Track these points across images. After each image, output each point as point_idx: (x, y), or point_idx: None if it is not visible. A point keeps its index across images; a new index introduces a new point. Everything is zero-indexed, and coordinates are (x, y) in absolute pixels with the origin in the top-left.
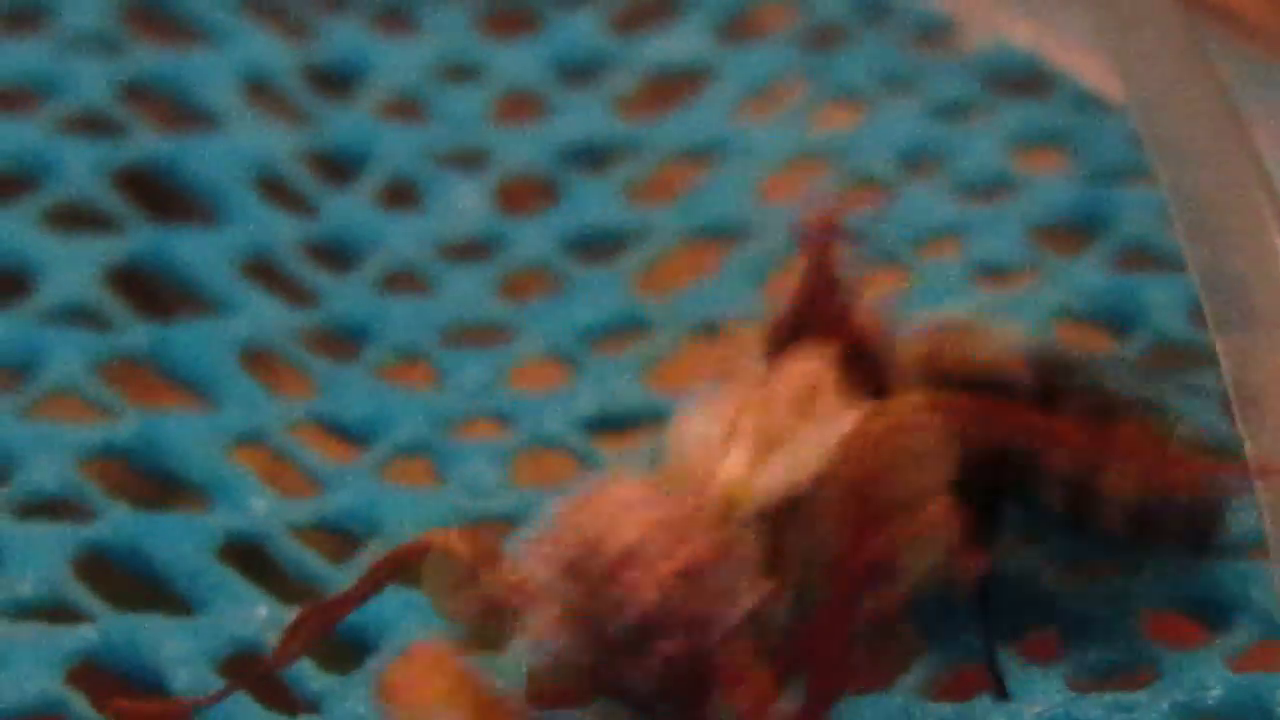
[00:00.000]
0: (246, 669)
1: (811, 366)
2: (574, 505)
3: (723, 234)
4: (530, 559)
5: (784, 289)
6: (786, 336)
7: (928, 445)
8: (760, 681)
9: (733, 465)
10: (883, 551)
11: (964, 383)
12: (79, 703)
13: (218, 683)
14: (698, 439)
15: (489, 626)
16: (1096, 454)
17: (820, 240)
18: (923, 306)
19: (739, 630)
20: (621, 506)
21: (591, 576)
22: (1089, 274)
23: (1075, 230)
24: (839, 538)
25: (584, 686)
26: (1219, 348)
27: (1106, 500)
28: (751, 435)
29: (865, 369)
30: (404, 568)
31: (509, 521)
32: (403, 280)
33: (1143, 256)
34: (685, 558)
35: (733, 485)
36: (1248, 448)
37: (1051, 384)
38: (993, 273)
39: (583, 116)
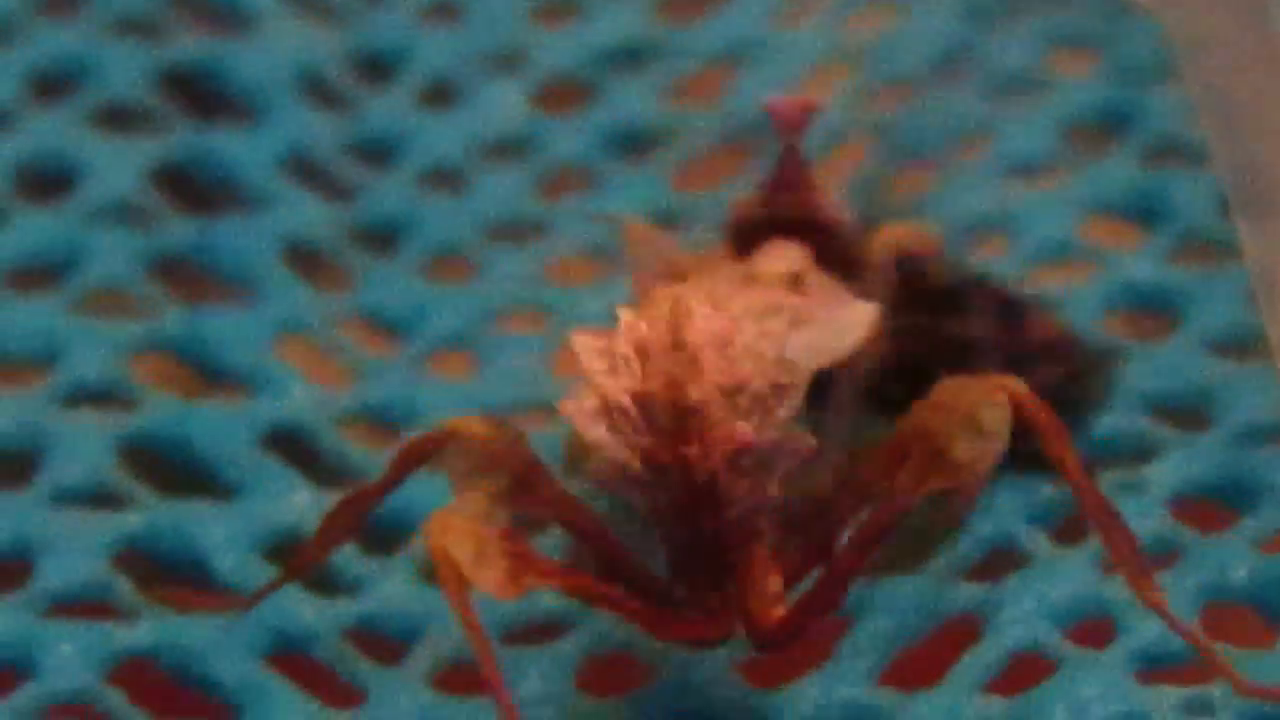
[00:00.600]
0: (287, 554)
1: (791, 253)
2: (637, 309)
3: (758, 135)
4: (584, 348)
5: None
6: (754, 225)
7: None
8: (773, 582)
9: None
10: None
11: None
12: (124, 586)
13: (259, 567)
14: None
15: (509, 512)
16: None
17: (792, 126)
18: (954, 203)
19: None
20: (686, 310)
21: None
22: (1118, 170)
23: (1104, 129)
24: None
25: (618, 481)
26: (1242, 234)
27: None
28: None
29: (834, 259)
30: (428, 454)
31: (547, 411)
32: (441, 179)
33: (1171, 152)
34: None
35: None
36: (1270, 331)
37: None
38: (1023, 170)
39: (621, 18)
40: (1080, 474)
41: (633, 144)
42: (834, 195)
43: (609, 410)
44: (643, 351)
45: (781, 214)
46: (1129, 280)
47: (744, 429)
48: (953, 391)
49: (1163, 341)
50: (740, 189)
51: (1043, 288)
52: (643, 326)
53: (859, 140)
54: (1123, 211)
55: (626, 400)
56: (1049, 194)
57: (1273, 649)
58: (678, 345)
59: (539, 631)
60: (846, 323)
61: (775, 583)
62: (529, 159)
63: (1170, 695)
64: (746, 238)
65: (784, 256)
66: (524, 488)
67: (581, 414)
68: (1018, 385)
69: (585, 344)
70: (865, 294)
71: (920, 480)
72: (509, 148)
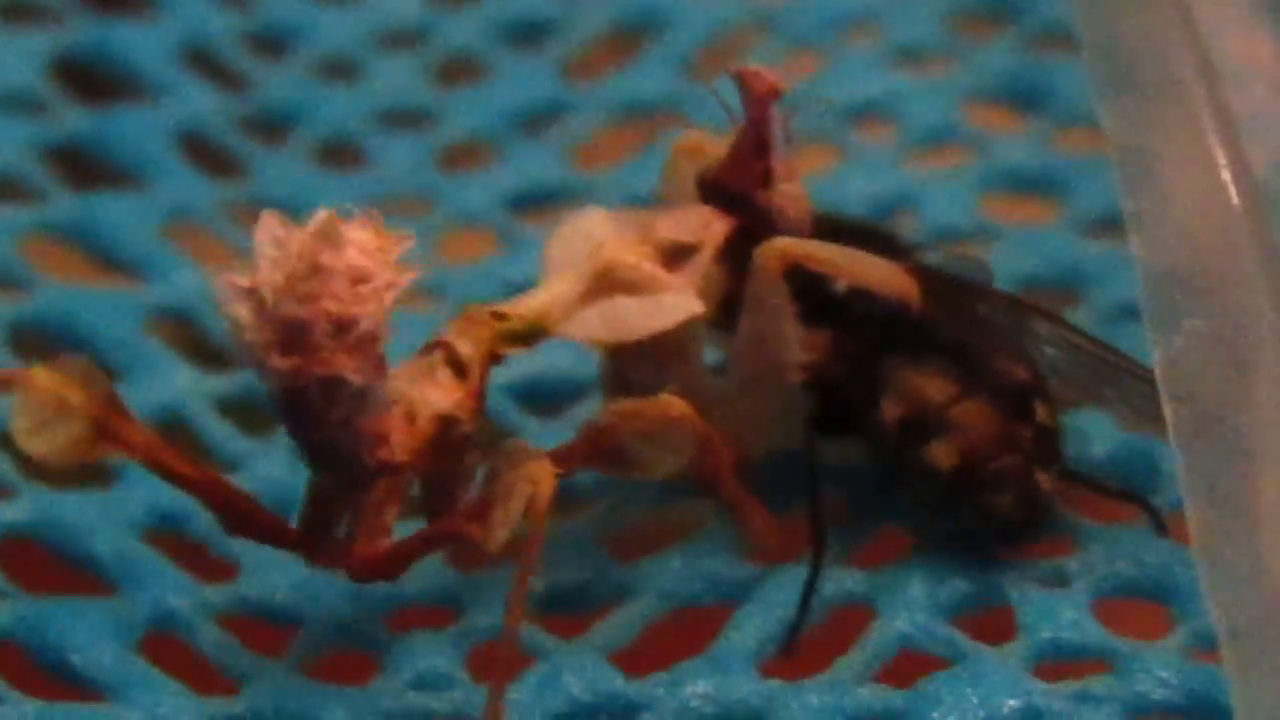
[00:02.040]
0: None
1: (702, 224)
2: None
3: (649, 25)
4: (266, 229)
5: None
6: (709, 185)
7: None
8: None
9: (548, 296)
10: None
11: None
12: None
13: None
14: (565, 247)
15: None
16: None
17: (759, 97)
18: (840, 88)
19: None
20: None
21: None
22: (1001, 57)
23: (988, 16)
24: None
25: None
26: (1103, 112)
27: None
28: (594, 272)
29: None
30: None
31: (434, 295)
32: (335, 69)
33: (1053, 40)
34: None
35: (529, 314)
36: (1127, 207)
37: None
38: (909, 57)
39: None
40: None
41: (524, 35)
42: (795, 186)
43: (252, 294)
44: (293, 255)
45: (728, 184)
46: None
47: (344, 361)
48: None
49: (1039, 224)
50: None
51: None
52: (304, 236)
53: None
54: (1001, 97)
55: (266, 291)
56: (933, 82)
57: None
58: (315, 264)
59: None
60: (666, 306)
61: (388, 515)
62: (422, 48)
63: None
64: (705, 193)
65: (692, 225)
66: (105, 434)
67: (233, 287)
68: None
69: (269, 225)
70: (752, 295)
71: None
72: (402, 37)
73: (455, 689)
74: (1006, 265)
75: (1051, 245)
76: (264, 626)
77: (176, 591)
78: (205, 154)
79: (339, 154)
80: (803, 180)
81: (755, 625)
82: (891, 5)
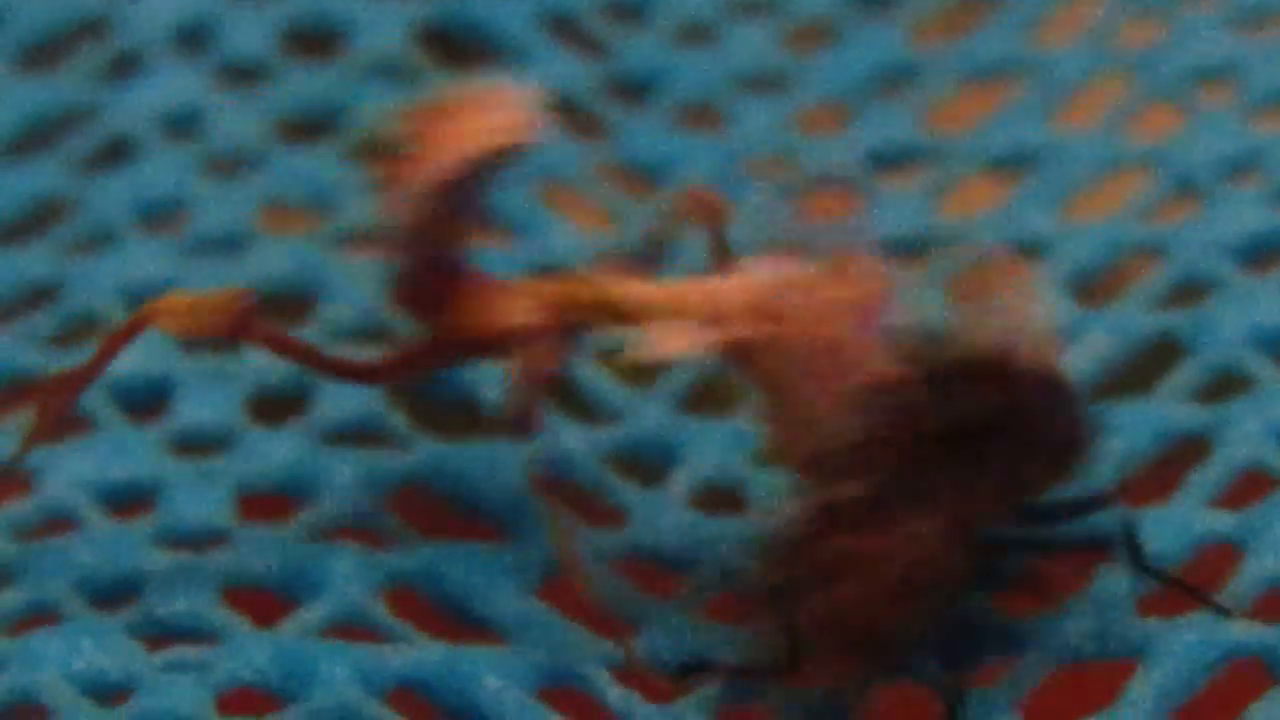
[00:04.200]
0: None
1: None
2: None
3: None
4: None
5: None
6: None
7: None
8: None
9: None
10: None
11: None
12: (399, 418)
13: None
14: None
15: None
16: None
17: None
18: (1185, 51)
19: None
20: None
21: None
22: None
23: None
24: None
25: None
26: None
27: None
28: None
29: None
30: (134, 333)
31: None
32: (693, 34)
33: None
34: None
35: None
36: None
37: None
38: (1254, 17)
39: None
40: None
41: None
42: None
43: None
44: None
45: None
46: None
47: None
48: None
49: None
50: None
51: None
52: None
53: None
54: None
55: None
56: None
57: None
58: None
59: None
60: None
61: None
62: (775, 13)
63: None
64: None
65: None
66: (239, 330)
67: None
68: None
69: None
70: None
71: None
72: (758, 3)
73: None
74: None
75: None
76: (654, 571)
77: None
78: (571, 118)
79: (699, 117)
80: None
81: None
82: None
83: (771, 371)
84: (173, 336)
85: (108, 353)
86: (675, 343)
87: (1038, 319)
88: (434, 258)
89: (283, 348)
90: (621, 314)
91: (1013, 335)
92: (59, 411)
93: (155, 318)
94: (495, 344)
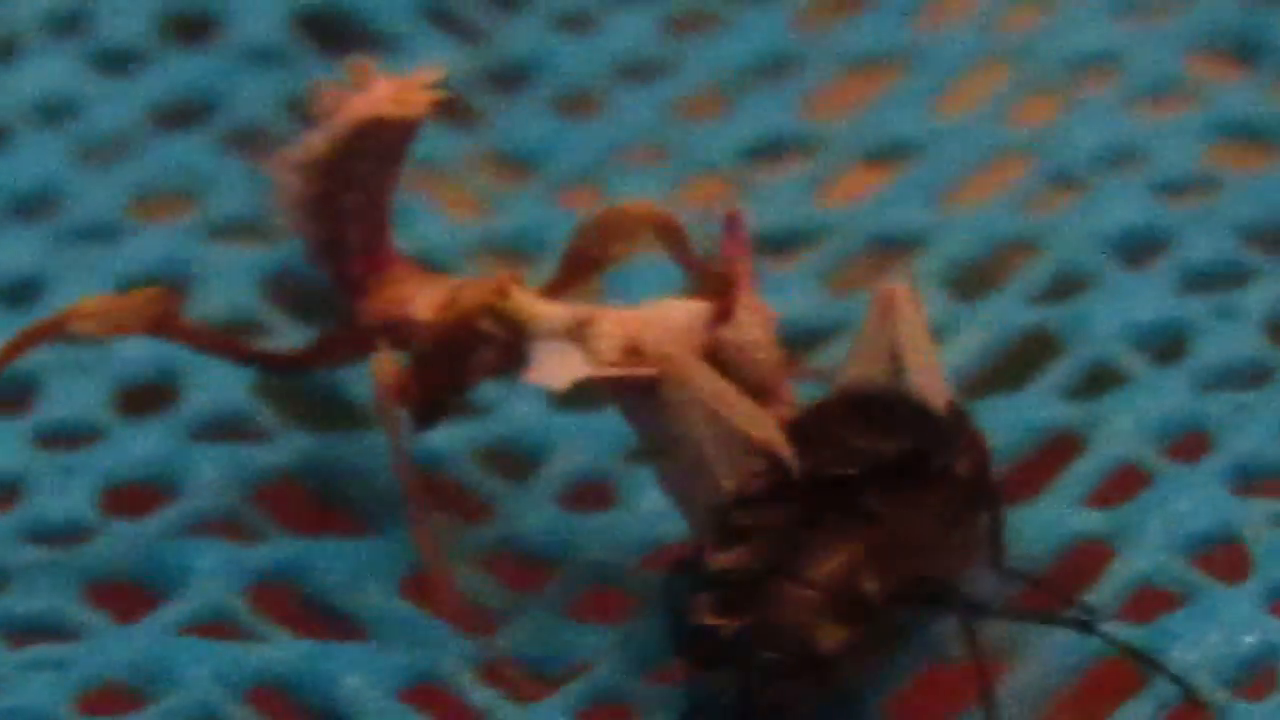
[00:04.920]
0: None
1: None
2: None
3: None
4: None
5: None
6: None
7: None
8: None
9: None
10: None
11: None
12: (266, 410)
13: None
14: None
15: None
16: None
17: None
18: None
19: None
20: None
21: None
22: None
23: None
24: None
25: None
26: None
27: None
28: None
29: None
30: (47, 335)
31: None
32: (571, 21)
33: None
34: None
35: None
36: None
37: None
38: (1131, 8)
39: None
40: None
41: None
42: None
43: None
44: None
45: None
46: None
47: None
48: None
49: (1258, 170)
50: None
51: None
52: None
53: None
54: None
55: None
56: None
57: None
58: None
59: None
60: (548, 368)
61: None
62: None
63: (1261, 507)
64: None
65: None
66: (160, 329)
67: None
68: None
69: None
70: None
71: None
72: None
73: None
74: (1231, 214)
75: (1273, 192)
76: (522, 567)
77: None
78: (447, 106)
79: (577, 104)
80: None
81: None
82: None
83: (658, 412)
84: (92, 339)
85: (14, 351)
86: (563, 374)
87: (929, 350)
88: (340, 238)
89: (206, 344)
90: (520, 330)
91: (905, 375)
92: None
93: (73, 321)
94: (400, 335)
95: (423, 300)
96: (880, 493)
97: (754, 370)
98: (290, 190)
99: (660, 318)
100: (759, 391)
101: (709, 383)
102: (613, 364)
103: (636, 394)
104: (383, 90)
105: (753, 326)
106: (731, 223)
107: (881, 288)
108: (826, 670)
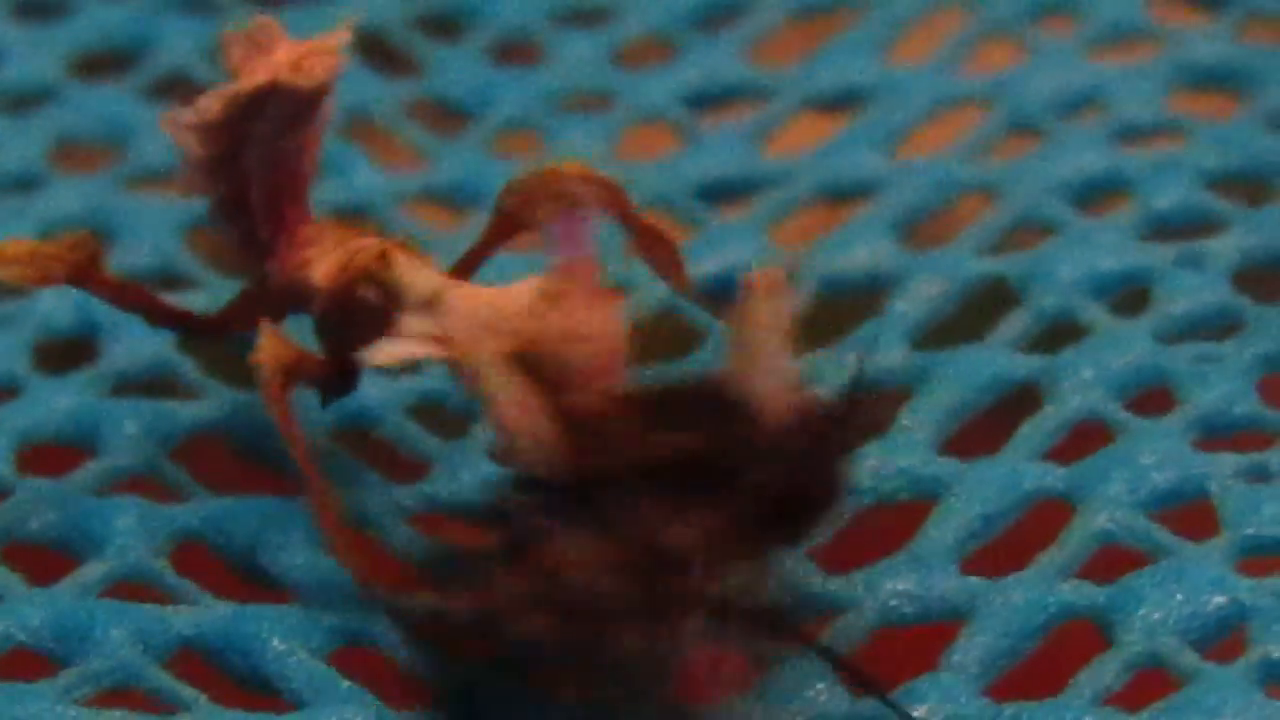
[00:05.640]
0: None
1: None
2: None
3: None
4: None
5: None
6: None
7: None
8: None
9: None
10: None
11: None
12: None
13: None
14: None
15: None
16: None
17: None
18: None
19: None
20: None
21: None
22: None
23: None
24: None
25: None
26: None
27: None
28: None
29: None
30: None
31: None
32: None
33: None
34: None
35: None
36: None
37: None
38: None
39: None
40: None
41: None
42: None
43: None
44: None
45: None
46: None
47: None
48: None
49: (1223, 117)
50: None
51: None
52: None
53: None
54: None
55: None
56: None
57: None
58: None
59: None
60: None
61: None
62: None
63: (1227, 461)
64: None
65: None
66: (80, 278)
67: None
68: None
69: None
70: None
71: None
72: None
73: None
74: (1195, 161)
75: (1239, 140)
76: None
77: (368, 490)
78: (382, 53)
79: (515, 51)
80: None
81: (956, 522)
82: None
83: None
84: (8, 284)
85: None
86: (399, 352)
87: (786, 357)
88: (243, 198)
89: (124, 298)
90: (394, 295)
91: (758, 374)
92: None
93: None
94: (302, 299)
95: (320, 265)
96: (648, 493)
97: (575, 356)
98: (189, 150)
99: (506, 299)
100: (583, 378)
101: (488, 369)
102: (424, 347)
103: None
104: (283, 55)
105: (582, 313)
106: (568, 221)
107: (748, 274)
108: (523, 664)
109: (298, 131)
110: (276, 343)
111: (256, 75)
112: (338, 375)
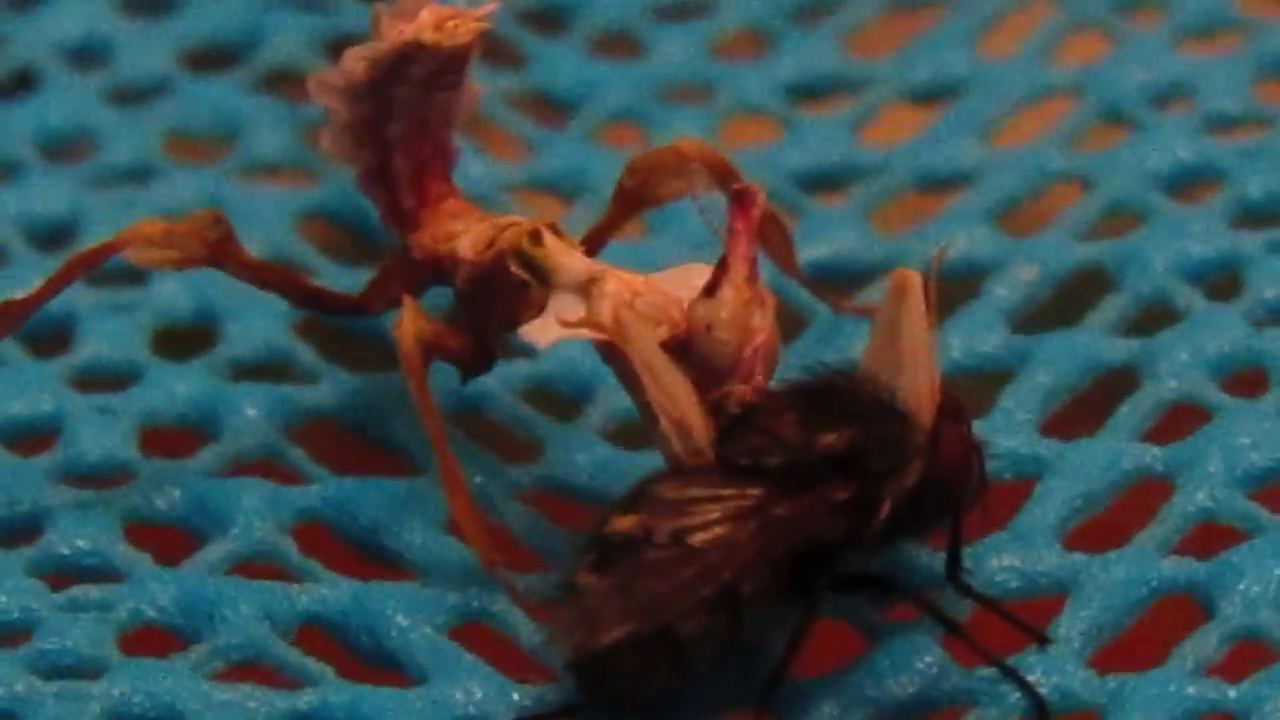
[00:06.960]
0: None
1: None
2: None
3: None
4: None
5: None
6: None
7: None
8: None
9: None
10: None
11: None
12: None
13: None
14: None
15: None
16: None
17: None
18: None
19: None
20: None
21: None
22: None
23: None
24: None
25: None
26: None
27: None
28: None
29: None
30: (98, 261)
31: None
32: None
33: None
34: None
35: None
36: None
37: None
38: None
39: None
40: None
41: None
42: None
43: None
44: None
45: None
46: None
47: None
48: None
49: None
50: None
51: None
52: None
53: None
54: None
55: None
56: None
57: None
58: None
59: None
60: (535, 326)
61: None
62: None
63: None
64: None
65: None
66: (219, 257)
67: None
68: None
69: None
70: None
71: None
72: None
73: None
74: None
75: None
76: (569, 504)
77: (483, 472)
78: (488, 47)
79: (616, 44)
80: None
81: (1058, 500)
82: None
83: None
84: (145, 266)
85: (63, 280)
86: (553, 335)
87: (932, 357)
88: (388, 166)
89: (264, 277)
90: (543, 275)
91: (904, 373)
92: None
93: (127, 245)
94: (446, 272)
95: (468, 239)
96: (793, 488)
97: (713, 348)
98: (335, 115)
99: (663, 285)
100: (720, 370)
101: (646, 356)
102: (574, 327)
103: (613, 357)
104: (427, 16)
105: (726, 306)
106: (743, 198)
107: (897, 273)
108: (677, 648)
109: (441, 98)
110: (418, 317)
111: (399, 34)
112: (476, 358)
